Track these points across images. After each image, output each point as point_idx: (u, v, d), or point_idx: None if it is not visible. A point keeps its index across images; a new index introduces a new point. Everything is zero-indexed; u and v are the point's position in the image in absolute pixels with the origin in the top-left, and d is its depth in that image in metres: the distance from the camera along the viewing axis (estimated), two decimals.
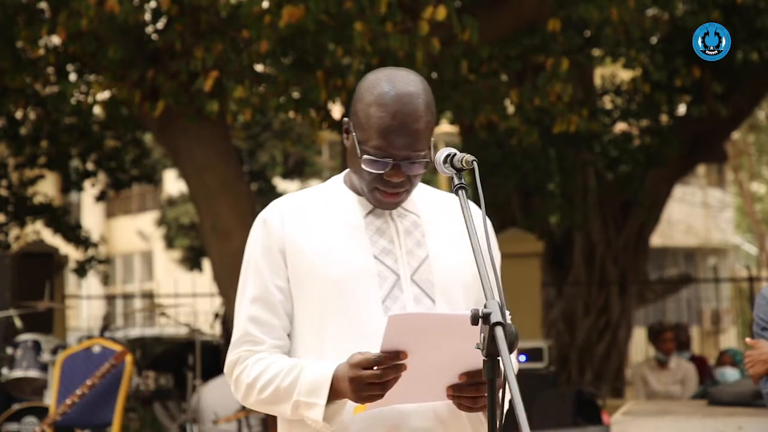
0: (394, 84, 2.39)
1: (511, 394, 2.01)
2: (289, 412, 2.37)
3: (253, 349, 2.43)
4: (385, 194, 2.42)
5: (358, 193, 2.49)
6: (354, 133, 2.42)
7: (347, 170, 2.55)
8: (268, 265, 2.45)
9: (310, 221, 2.46)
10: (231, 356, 2.47)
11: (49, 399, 6.83)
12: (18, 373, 7.40)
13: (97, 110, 10.99)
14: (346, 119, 2.47)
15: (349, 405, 2.32)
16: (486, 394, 2.27)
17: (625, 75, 12.51)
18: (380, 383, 2.24)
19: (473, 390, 2.29)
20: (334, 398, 2.31)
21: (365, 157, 2.38)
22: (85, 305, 21.34)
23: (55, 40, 9.29)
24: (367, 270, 2.41)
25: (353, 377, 2.24)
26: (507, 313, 2.14)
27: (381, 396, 2.25)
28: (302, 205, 2.49)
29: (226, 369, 2.49)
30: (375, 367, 2.23)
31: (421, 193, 2.55)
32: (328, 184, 2.57)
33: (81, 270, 13.19)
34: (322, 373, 2.32)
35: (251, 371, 2.41)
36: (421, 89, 2.40)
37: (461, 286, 2.48)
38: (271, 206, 2.52)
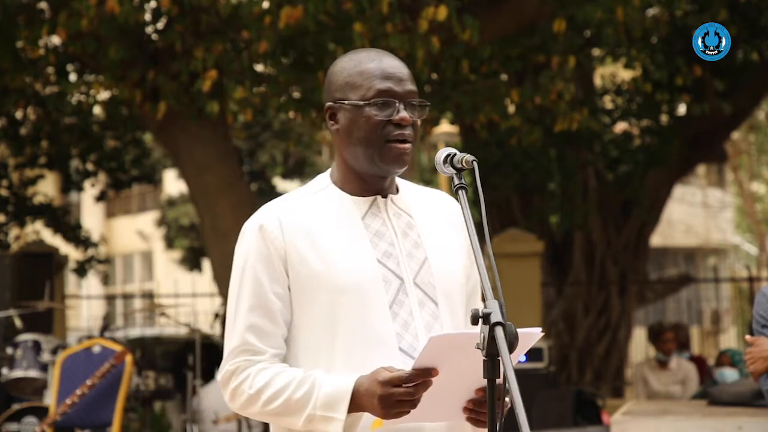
0: (365, 49, 2.51)
1: (511, 394, 2.01)
2: (300, 425, 2.32)
3: (253, 359, 2.37)
4: (397, 143, 2.39)
5: (350, 193, 2.46)
6: (349, 103, 2.40)
7: (330, 169, 2.52)
8: (267, 272, 2.39)
9: (309, 226, 2.41)
10: (228, 366, 2.39)
11: (49, 399, 6.83)
12: (18, 373, 7.41)
13: (97, 110, 10.99)
14: (330, 103, 2.45)
15: (365, 419, 2.30)
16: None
17: (625, 74, 12.49)
18: (410, 401, 2.23)
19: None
20: (352, 411, 2.27)
21: (374, 100, 2.38)
22: (85, 305, 21.32)
23: (55, 40, 9.29)
24: (372, 275, 2.38)
25: (384, 395, 2.22)
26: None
27: (408, 412, 2.24)
28: (298, 210, 2.43)
29: (221, 379, 2.42)
30: (404, 385, 2.21)
31: (409, 190, 2.54)
32: (316, 185, 2.50)
33: (81, 270, 13.17)
34: (340, 387, 2.28)
35: (254, 381, 2.36)
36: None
37: (458, 286, 2.48)
38: (264, 211, 2.45)
